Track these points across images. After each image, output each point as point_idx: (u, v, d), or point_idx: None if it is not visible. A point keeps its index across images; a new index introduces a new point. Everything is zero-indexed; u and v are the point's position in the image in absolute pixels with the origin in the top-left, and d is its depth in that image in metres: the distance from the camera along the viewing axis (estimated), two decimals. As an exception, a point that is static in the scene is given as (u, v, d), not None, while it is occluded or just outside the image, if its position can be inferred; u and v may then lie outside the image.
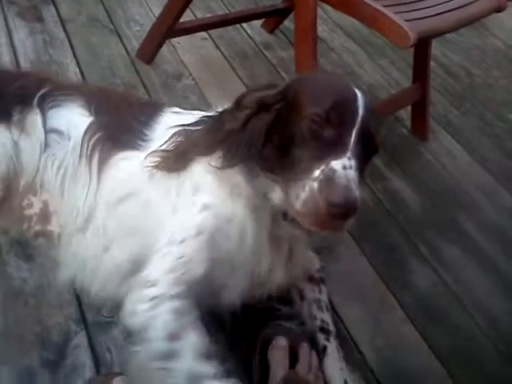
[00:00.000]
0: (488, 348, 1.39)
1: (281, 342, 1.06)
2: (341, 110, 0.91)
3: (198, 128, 1.06)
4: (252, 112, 0.96)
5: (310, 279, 1.25)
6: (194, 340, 0.88)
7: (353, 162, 0.87)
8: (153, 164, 1.05)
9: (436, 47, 2.70)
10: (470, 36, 3.08)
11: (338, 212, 0.84)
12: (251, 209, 1.01)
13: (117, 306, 1.14)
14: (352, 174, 0.86)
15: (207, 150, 1.01)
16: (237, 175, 1.00)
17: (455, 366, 1.31)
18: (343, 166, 0.86)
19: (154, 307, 0.92)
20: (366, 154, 0.94)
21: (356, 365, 1.22)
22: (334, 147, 0.89)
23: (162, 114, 1.19)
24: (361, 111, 0.92)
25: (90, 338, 1.10)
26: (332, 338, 1.16)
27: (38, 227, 1.18)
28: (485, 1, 1.66)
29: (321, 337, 1.16)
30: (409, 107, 2.10)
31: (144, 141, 1.14)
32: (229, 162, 0.97)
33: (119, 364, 1.08)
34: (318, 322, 1.19)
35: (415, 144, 2.09)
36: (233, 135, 0.97)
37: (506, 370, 1.35)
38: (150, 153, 1.07)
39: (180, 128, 1.07)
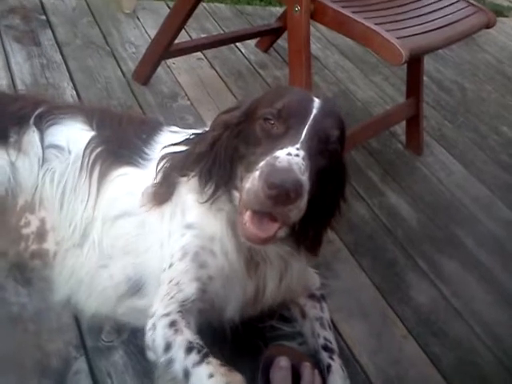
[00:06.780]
0: (490, 361, 1.38)
1: (283, 363, 1.05)
2: (291, 108, 0.92)
3: (181, 150, 1.08)
4: (218, 133, 1.00)
5: (311, 297, 1.24)
6: (182, 340, 0.93)
7: (301, 152, 0.86)
8: (148, 204, 1.08)
9: (428, 63, 2.74)
10: (461, 51, 3.14)
11: (277, 194, 0.80)
12: (231, 225, 1.02)
13: (116, 328, 1.14)
14: (297, 159, 0.84)
15: (182, 172, 1.05)
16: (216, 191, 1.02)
17: (458, 380, 1.30)
18: (288, 153, 0.85)
19: (154, 330, 0.97)
20: (322, 156, 0.92)
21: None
22: (283, 140, 0.89)
23: (160, 133, 1.22)
24: (314, 111, 0.93)
25: (90, 364, 1.09)
26: (336, 356, 1.14)
27: (34, 246, 1.17)
28: (474, 18, 1.70)
29: (324, 355, 1.14)
30: (403, 122, 2.13)
31: (144, 159, 1.16)
32: (208, 192, 1.01)
33: (120, 388, 1.07)
34: (322, 340, 1.17)
35: (411, 158, 2.11)
36: (202, 157, 1.01)
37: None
38: (144, 192, 1.08)
39: (164, 152, 1.10)
